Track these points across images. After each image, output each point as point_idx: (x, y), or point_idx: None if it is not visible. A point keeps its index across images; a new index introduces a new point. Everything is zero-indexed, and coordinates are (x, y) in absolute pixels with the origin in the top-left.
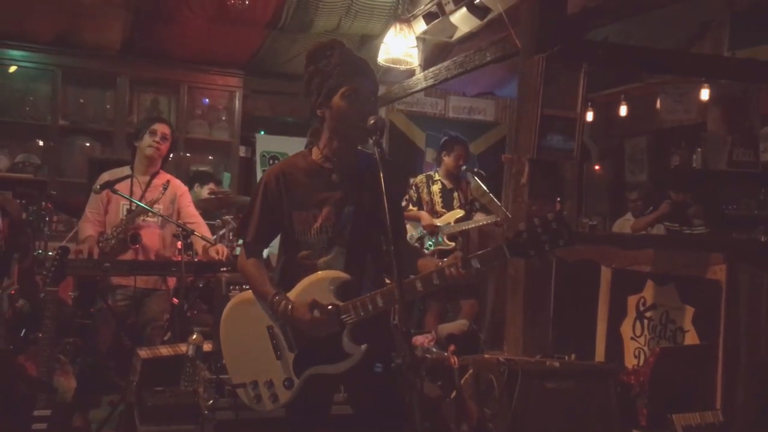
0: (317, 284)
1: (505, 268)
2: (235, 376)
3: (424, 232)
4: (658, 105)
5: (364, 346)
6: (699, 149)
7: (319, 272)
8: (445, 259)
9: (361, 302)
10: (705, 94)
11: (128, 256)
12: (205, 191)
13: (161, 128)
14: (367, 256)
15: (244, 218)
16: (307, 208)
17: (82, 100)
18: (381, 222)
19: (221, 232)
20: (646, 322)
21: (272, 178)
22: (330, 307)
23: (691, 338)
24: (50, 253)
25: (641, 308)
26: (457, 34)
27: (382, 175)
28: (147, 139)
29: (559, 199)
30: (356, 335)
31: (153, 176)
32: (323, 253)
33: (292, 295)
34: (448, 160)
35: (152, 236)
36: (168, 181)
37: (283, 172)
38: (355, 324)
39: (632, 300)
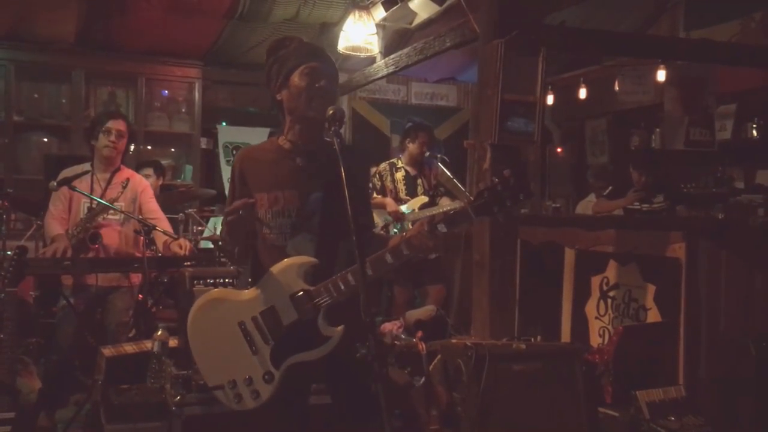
0: (286, 271)
1: (471, 253)
2: (211, 379)
3: (390, 219)
4: (616, 87)
5: (340, 327)
6: (657, 130)
7: (287, 259)
8: (411, 228)
9: (332, 282)
10: (661, 75)
11: (88, 256)
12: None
13: (115, 125)
14: (339, 243)
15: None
16: (268, 189)
17: (36, 95)
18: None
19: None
20: (609, 301)
21: (238, 162)
22: (301, 293)
23: (653, 316)
24: (9, 253)
25: (604, 288)
26: (417, 21)
27: (342, 165)
28: (102, 140)
29: None
30: (332, 318)
31: (113, 173)
32: (287, 237)
33: (262, 283)
34: (412, 146)
35: (112, 234)
36: (128, 179)
37: (249, 155)
38: (329, 306)
39: (595, 280)
